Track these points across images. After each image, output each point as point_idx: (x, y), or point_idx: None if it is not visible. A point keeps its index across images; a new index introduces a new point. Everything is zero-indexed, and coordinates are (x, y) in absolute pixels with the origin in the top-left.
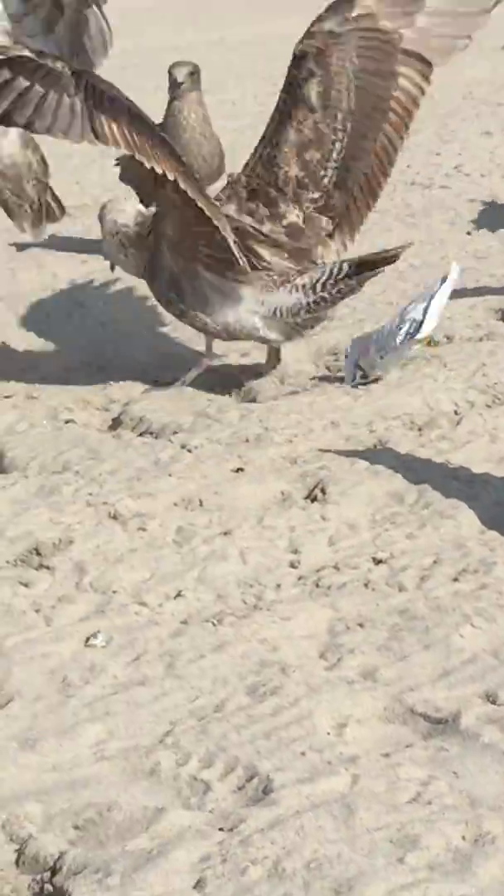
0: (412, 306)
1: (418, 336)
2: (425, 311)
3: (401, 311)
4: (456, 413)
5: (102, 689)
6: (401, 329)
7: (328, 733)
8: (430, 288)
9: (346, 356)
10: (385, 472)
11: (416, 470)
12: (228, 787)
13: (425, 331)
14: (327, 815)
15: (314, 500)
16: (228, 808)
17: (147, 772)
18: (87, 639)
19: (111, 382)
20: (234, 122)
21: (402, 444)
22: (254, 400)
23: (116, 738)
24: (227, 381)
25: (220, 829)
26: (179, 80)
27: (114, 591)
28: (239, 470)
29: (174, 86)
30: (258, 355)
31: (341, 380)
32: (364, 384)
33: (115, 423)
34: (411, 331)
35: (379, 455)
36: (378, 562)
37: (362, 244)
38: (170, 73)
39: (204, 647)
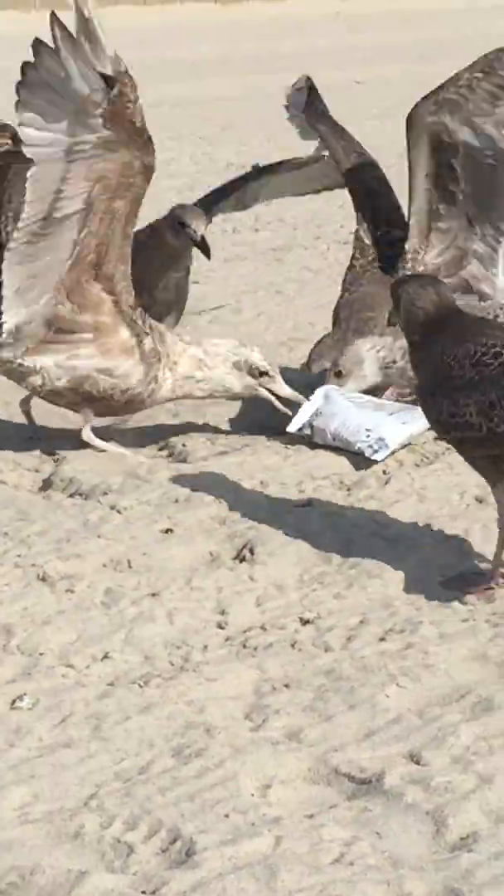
0: (390, 420)
1: (374, 457)
2: (397, 438)
3: (376, 416)
4: (384, 473)
5: (28, 751)
6: (365, 436)
7: (252, 795)
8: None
9: (309, 400)
10: (313, 532)
11: (344, 530)
12: (152, 849)
13: (382, 456)
14: (250, 877)
15: (242, 560)
16: (151, 870)
17: (71, 835)
18: (14, 701)
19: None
20: (171, 181)
21: (331, 504)
22: (184, 461)
23: (41, 800)
24: (159, 441)
25: (143, 892)
26: (202, 235)
27: (41, 654)
28: (168, 531)
29: (191, 238)
30: (187, 415)
31: (274, 435)
32: (301, 437)
33: (46, 484)
34: (374, 446)
35: (307, 515)
36: (305, 622)
37: (294, 302)
38: (185, 221)
39: (130, 708)
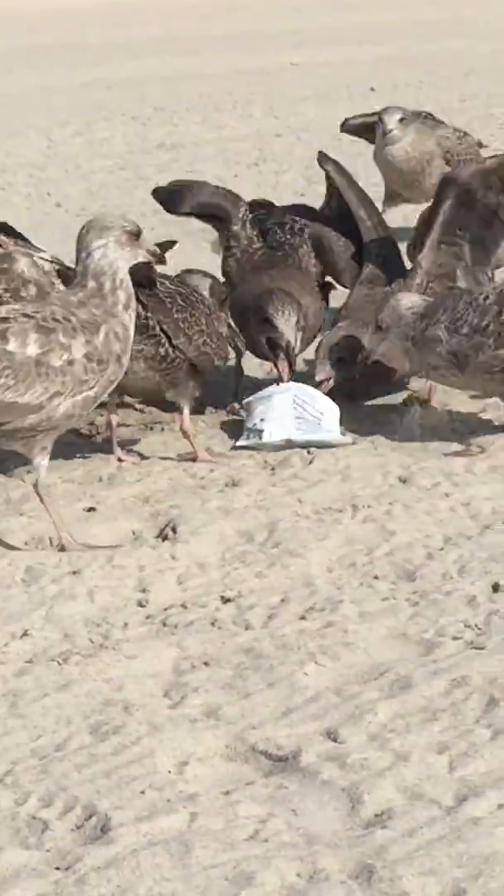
0: (287, 420)
1: (239, 441)
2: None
3: (281, 411)
4: (308, 452)
5: None
6: (252, 423)
7: (169, 772)
8: (311, 425)
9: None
10: (236, 510)
11: (267, 508)
12: (67, 825)
13: (241, 442)
14: (164, 853)
15: (165, 539)
16: (66, 846)
17: None
18: None
19: None
20: (104, 160)
21: (255, 483)
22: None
23: None
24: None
25: (57, 868)
26: None
27: None
28: (91, 509)
29: None
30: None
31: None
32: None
33: None
34: (249, 433)
35: (231, 494)
36: (226, 600)
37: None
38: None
39: (48, 686)
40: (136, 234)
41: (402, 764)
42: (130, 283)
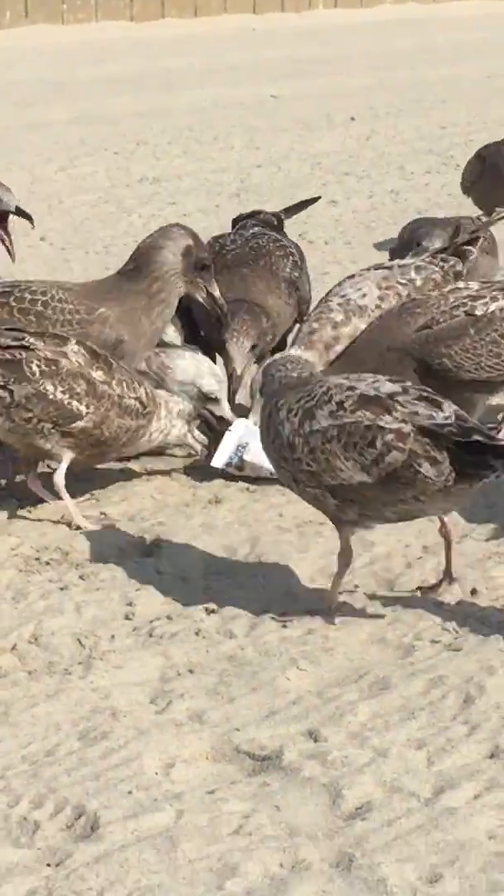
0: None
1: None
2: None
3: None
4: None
5: None
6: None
7: (156, 773)
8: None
9: (229, 431)
10: (219, 526)
11: (249, 524)
12: (57, 825)
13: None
14: (151, 849)
15: (150, 555)
16: (57, 844)
17: None
18: None
19: None
20: (86, 195)
21: (237, 500)
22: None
23: None
24: None
25: (48, 865)
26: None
27: None
28: (77, 528)
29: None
30: None
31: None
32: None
33: None
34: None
35: (214, 511)
36: (210, 611)
37: None
38: None
39: (38, 696)
40: None
41: (381, 760)
42: None
